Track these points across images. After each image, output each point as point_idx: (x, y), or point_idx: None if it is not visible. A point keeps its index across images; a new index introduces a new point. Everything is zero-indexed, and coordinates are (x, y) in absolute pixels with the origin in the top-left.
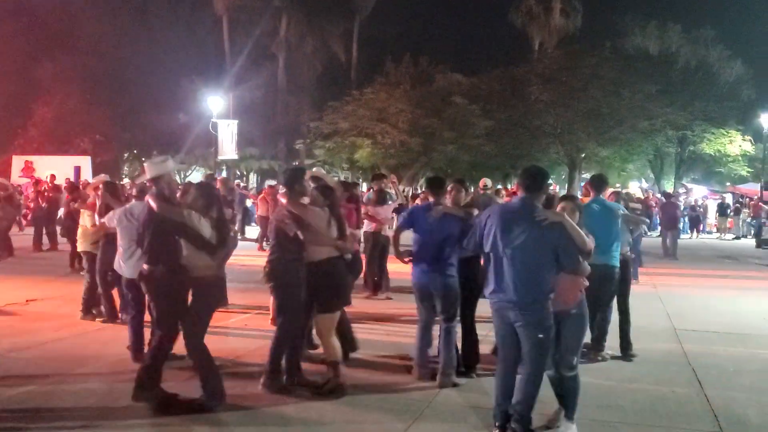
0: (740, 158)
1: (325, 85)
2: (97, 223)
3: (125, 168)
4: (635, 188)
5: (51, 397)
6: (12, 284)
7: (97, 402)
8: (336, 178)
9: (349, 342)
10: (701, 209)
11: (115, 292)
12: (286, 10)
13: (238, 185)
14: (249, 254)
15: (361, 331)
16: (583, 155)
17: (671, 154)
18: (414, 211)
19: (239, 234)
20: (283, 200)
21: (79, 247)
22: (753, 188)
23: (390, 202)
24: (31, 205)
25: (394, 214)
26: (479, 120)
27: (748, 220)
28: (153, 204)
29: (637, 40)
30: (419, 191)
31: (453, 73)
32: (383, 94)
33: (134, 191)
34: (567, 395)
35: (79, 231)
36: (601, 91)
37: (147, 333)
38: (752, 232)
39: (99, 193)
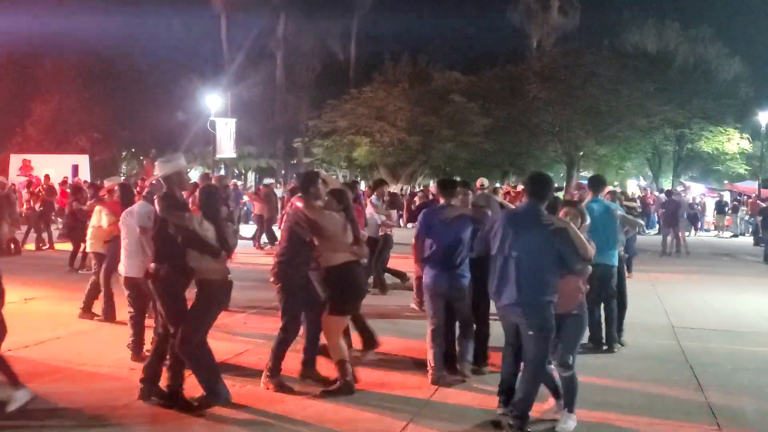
0: (738, 156)
1: (324, 83)
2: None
3: (123, 166)
4: (633, 186)
5: (50, 397)
6: (10, 283)
7: (96, 401)
8: (335, 178)
9: (369, 336)
10: (699, 207)
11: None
12: (285, 8)
13: (234, 184)
14: (245, 252)
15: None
16: (581, 153)
17: (669, 152)
18: (427, 214)
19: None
20: (299, 203)
21: (90, 248)
22: (751, 186)
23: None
24: (25, 205)
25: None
26: (478, 118)
27: (746, 217)
28: (157, 205)
29: (635, 38)
30: (417, 190)
31: (451, 72)
32: (381, 93)
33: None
34: (566, 392)
35: (91, 231)
36: (599, 89)
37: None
38: (750, 229)
39: (116, 195)
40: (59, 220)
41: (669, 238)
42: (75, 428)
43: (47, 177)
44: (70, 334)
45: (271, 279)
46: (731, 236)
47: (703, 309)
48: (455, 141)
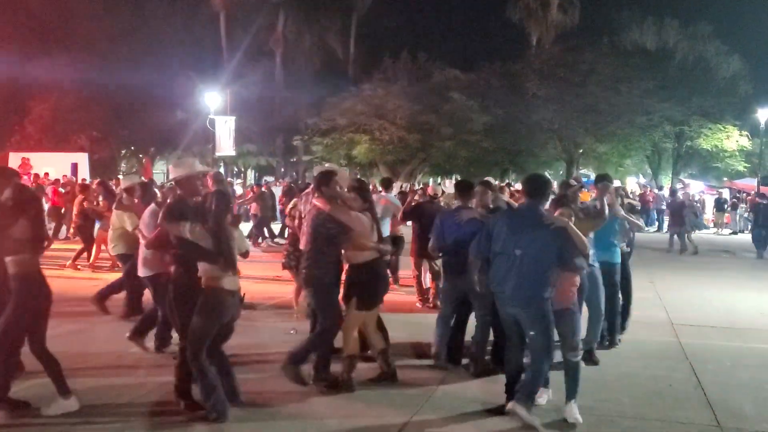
0: (737, 153)
1: (323, 81)
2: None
3: (122, 165)
4: (633, 184)
5: (50, 394)
6: None
7: (97, 399)
8: (346, 172)
9: (384, 333)
10: (699, 204)
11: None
12: (284, 6)
13: (230, 183)
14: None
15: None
16: (580, 151)
17: (668, 149)
18: (443, 218)
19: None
20: (318, 203)
21: (113, 251)
22: (750, 183)
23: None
24: None
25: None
26: (477, 116)
27: (746, 215)
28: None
29: (634, 36)
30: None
31: (451, 69)
32: (381, 90)
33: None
34: (570, 378)
35: (113, 234)
36: (598, 86)
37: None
38: (749, 227)
39: (137, 195)
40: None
41: (675, 237)
42: (76, 425)
43: (36, 176)
44: (69, 333)
45: (302, 282)
46: (730, 233)
47: (703, 306)
48: (455, 139)
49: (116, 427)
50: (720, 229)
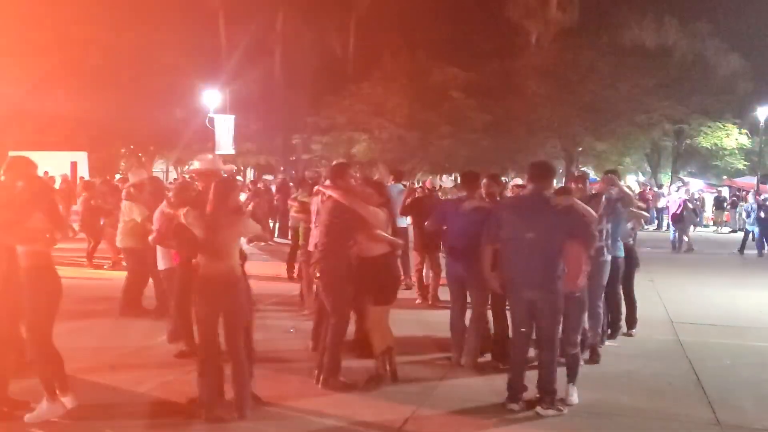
0: (737, 152)
1: (322, 79)
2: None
3: (122, 163)
4: (632, 182)
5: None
6: None
7: (96, 398)
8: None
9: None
10: (698, 203)
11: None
12: (283, 4)
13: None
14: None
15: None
16: (580, 149)
17: (668, 147)
18: (444, 208)
19: None
20: (335, 194)
21: (120, 243)
22: (749, 181)
23: None
24: None
25: None
26: (476, 114)
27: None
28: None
29: (633, 34)
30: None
31: (450, 67)
32: (380, 89)
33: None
34: (569, 367)
35: (122, 227)
36: (598, 84)
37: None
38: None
39: (147, 190)
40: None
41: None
42: (72, 425)
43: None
44: (68, 331)
45: (317, 275)
46: (730, 231)
47: (702, 303)
48: (454, 137)
49: (117, 426)
50: (719, 228)
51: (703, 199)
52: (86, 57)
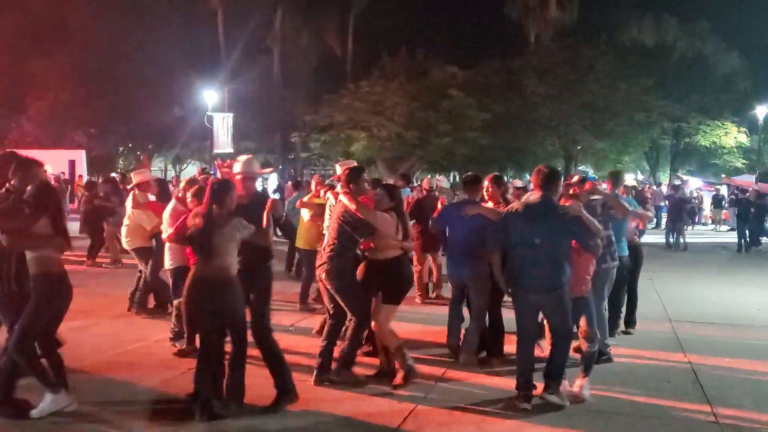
0: (735, 150)
1: (321, 78)
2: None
3: (120, 162)
4: (631, 181)
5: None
6: None
7: (96, 397)
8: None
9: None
10: (696, 201)
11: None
12: (281, 3)
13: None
14: None
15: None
16: (579, 148)
17: (667, 146)
18: (446, 210)
19: None
20: (345, 200)
21: (128, 245)
22: (748, 180)
23: None
24: None
25: None
26: (475, 113)
27: None
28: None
29: (633, 33)
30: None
31: (449, 66)
32: (379, 87)
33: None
34: (586, 360)
35: (127, 229)
36: (597, 83)
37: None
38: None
39: (153, 192)
40: None
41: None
42: (71, 424)
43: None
44: (68, 329)
45: (323, 276)
46: (728, 230)
47: (701, 302)
48: (453, 136)
49: (117, 425)
50: (718, 226)
51: (701, 197)
52: (85, 55)
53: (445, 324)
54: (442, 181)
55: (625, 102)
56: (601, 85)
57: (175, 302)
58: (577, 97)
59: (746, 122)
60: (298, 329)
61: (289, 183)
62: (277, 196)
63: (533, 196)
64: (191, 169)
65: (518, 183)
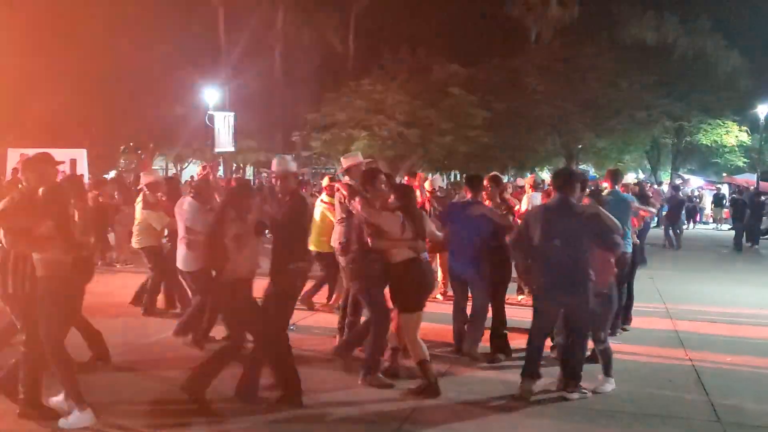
0: (737, 149)
1: (322, 76)
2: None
3: (121, 160)
4: (631, 179)
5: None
6: None
7: (99, 397)
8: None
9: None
10: (697, 200)
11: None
12: (282, 1)
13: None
14: None
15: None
16: (580, 146)
17: (668, 144)
18: (451, 210)
19: None
20: (356, 205)
21: (138, 244)
22: (749, 179)
23: None
24: None
25: None
26: (477, 111)
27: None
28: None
29: (634, 31)
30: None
31: (450, 64)
32: (380, 86)
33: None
34: (602, 361)
35: (138, 227)
36: (598, 82)
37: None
38: None
39: (163, 191)
40: None
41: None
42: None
43: (15, 170)
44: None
45: (347, 279)
46: (729, 228)
47: (702, 300)
48: (454, 134)
49: (115, 424)
50: (719, 225)
51: (702, 196)
52: (86, 54)
53: (448, 321)
54: (437, 180)
55: (626, 100)
56: (602, 83)
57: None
58: (578, 95)
59: (747, 121)
60: (299, 328)
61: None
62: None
63: (552, 198)
64: (192, 168)
65: (520, 182)
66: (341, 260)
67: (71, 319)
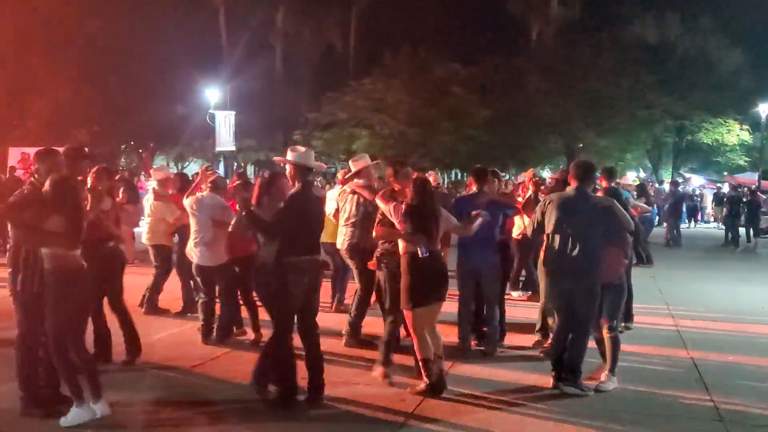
0: (738, 148)
1: (323, 75)
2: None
3: (123, 159)
4: (632, 177)
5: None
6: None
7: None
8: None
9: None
10: (699, 198)
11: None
12: (283, 1)
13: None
14: None
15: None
16: (581, 145)
17: (669, 143)
18: (459, 203)
19: None
20: (379, 201)
21: (149, 241)
22: (751, 177)
23: None
24: None
25: None
26: (478, 110)
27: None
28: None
29: (635, 30)
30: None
31: (451, 63)
32: (381, 85)
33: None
34: (610, 352)
35: (150, 224)
36: (599, 80)
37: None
38: None
39: (175, 187)
40: None
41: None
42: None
43: (12, 168)
44: None
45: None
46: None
47: (704, 299)
48: (455, 133)
49: (116, 423)
50: (720, 223)
51: (703, 194)
52: (87, 53)
53: (450, 319)
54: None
55: (627, 99)
56: (604, 82)
57: (200, 301)
58: (579, 94)
59: (749, 120)
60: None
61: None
62: None
63: (570, 188)
64: (193, 167)
65: (520, 179)
66: (350, 261)
67: (82, 316)
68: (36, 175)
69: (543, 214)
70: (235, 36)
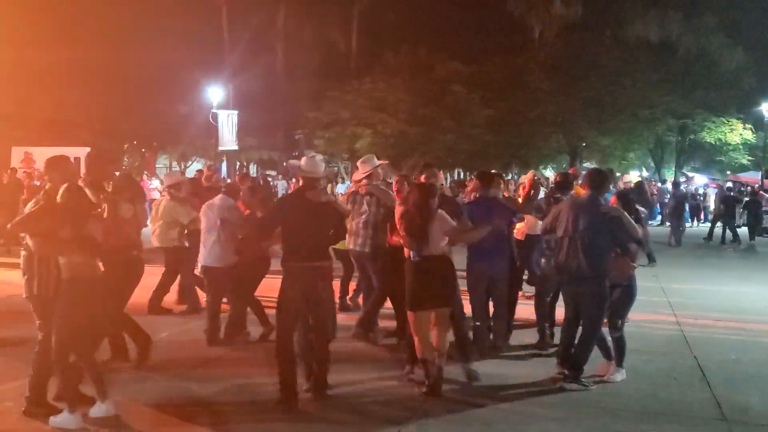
0: (741, 147)
1: (325, 75)
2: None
3: (125, 159)
4: (635, 177)
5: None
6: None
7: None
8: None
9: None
10: (701, 198)
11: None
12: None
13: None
14: None
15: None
16: (584, 144)
17: (672, 142)
18: (468, 209)
19: None
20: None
21: (161, 243)
22: (753, 177)
23: None
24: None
25: None
26: (479, 109)
27: None
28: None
29: (637, 29)
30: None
31: (452, 62)
32: (382, 84)
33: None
34: (616, 350)
35: (162, 226)
36: (601, 80)
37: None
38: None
39: (187, 191)
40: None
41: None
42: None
43: (14, 170)
44: None
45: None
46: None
47: (707, 299)
48: (456, 132)
49: (117, 423)
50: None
51: (706, 194)
52: (89, 52)
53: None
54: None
55: (629, 98)
56: (606, 81)
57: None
58: (581, 93)
59: (752, 119)
60: None
61: (293, 180)
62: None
63: (584, 194)
64: (196, 167)
65: (521, 180)
66: (370, 263)
67: (94, 325)
68: (49, 183)
69: (555, 217)
70: (237, 35)
